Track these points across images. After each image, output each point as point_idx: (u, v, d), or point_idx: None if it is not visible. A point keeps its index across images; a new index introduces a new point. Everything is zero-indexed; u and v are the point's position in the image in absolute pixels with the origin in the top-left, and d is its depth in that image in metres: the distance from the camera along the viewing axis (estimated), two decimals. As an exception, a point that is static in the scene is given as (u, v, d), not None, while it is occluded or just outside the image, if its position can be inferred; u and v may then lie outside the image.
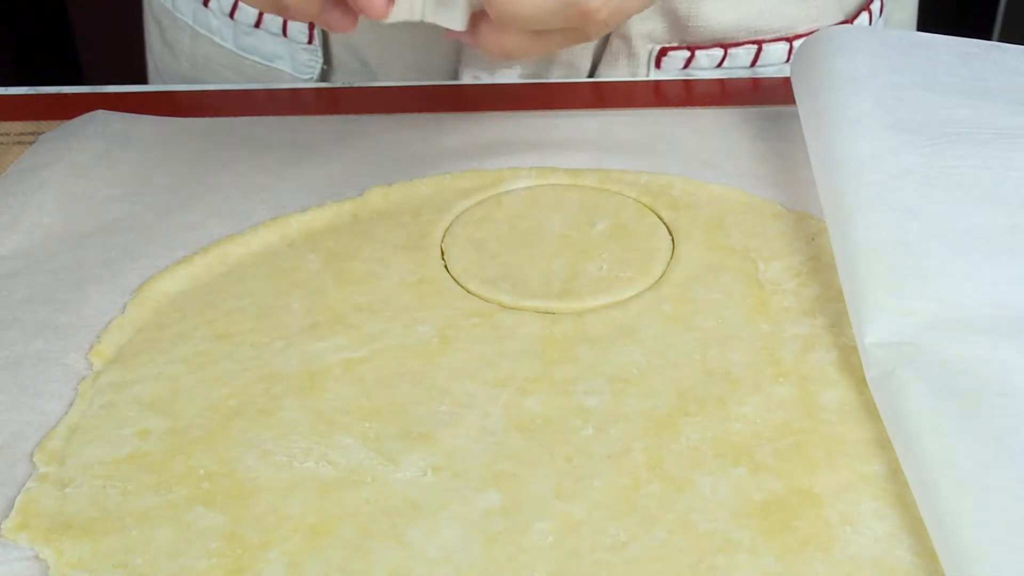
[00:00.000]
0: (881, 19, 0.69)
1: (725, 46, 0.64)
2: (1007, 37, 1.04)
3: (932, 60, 0.53)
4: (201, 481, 0.36)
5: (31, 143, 0.56)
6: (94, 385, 0.40)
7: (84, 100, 0.60)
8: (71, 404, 0.39)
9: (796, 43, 0.64)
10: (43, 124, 0.58)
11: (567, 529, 0.34)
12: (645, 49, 0.63)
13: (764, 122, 0.57)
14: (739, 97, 0.61)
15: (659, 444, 0.37)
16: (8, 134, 0.58)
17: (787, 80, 0.56)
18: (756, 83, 0.64)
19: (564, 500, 0.35)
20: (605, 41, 0.64)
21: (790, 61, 0.59)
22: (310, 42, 0.67)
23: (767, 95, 0.61)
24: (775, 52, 0.65)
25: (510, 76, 0.65)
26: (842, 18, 0.66)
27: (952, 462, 0.33)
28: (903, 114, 0.49)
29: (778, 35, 0.64)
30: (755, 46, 0.64)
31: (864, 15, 0.67)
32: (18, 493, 0.35)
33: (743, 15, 0.63)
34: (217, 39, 0.69)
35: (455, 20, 0.43)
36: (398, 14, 0.42)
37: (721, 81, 0.65)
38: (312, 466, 0.36)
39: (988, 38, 0.55)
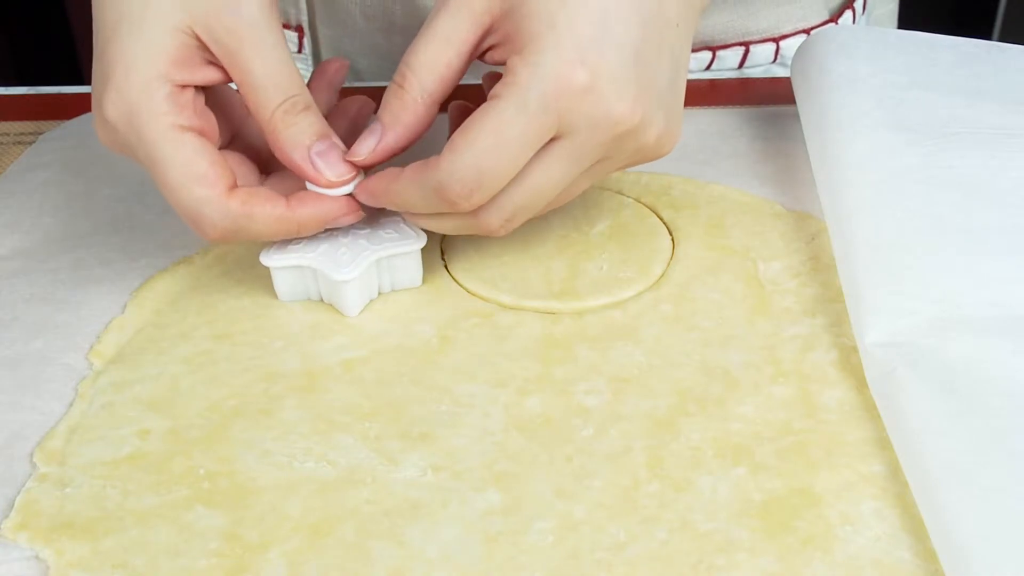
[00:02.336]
0: (864, 16, 0.69)
1: (713, 48, 0.64)
2: (1007, 37, 1.04)
3: (932, 60, 0.53)
4: (201, 481, 0.36)
5: (31, 143, 0.56)
6: (94, 385, 0.40)
7: (84, 100, 0.60)
8: (71, 404, 0.39)
9: (783, 43, 0.65)
10: (43, 124, 0.58)
11: (567, 529, 0.34)
12: None
13: (764, 122, 0.57)
14: (739, 97, 0.61)
15: (659, 444, 0.37)
16: (8, 134, 0.58)
17: (787, 80, 0.56)
18: (756, 83, 0.64)
19: (564, 500, 0.35)
20: None
21: (790, 61, 0.59)
22: (299, 51, 0.67)
23: (767, 95, 0.61)
24: (762, 53, 0.65)
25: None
26: (827, 16, 0.66)
27: (952, 462, 0.33)
28: (903, 114, 0.49)
29: (764, 36, 0.65)
30: (742, 48, 0.64)
31: (848, 13, 0.67)
32: (18, 493, 0.35)
33: (731, 17, 0.63)
34: None
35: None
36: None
37: (721, 81, 0.65)
38: (312, 466, 0.36)
39: (988, 38, 0.55)
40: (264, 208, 0.40)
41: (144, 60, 0.39)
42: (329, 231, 0.43)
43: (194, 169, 0.39)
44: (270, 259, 0.43)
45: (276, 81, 0.40)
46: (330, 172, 0.40)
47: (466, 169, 0.37)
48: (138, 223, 0.49)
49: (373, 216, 0.44)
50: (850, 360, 0.40)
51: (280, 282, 0.43)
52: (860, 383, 0.39)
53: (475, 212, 0.39)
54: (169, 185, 0.39)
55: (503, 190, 0.38)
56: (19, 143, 0.57)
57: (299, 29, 0.66)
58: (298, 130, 0.40)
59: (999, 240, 0.42)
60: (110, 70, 0.39)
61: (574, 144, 0.38)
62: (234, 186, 0.40)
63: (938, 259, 0.41)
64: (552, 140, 0.38)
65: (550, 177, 0.39)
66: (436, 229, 0.42)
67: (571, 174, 0.39)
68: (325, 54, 0.67)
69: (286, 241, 0.43)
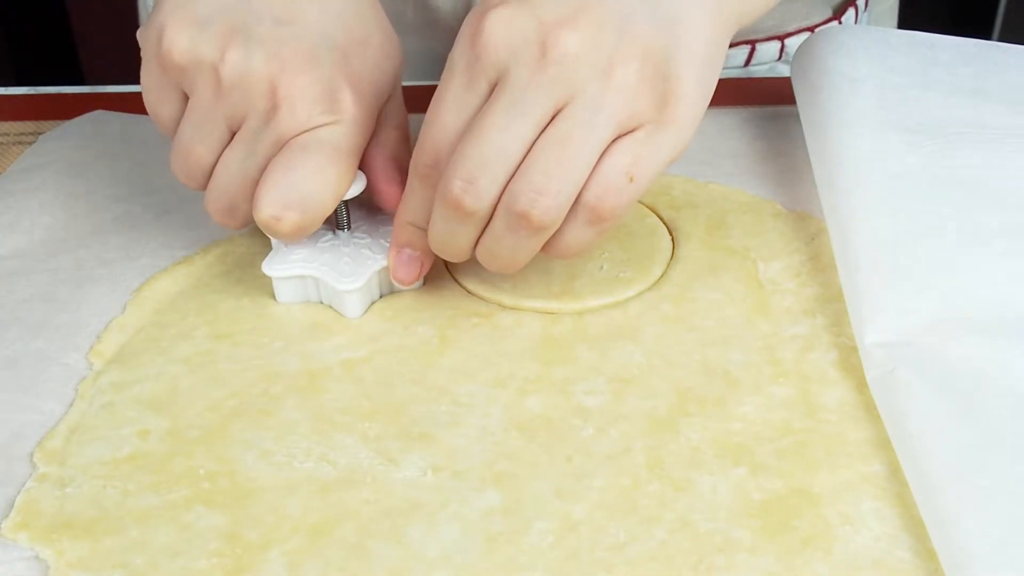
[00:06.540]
0: (866, 13, 0.70)
1: None
2: (1007, 37, 1.04)
3: (932, 60, 0.53)
4: (201, 481, 0.36)
5: (31, 143, 0.56)
6: (94, 385, 0.40)
7: (84, 100, 0.60)
8: (71, 404, 0.39)
9: (787, 41, 0.65)
10: (43, 124, 0.58)
11: (567, 529, 0.34)
12: None
13: (764, 122, 0.57)
14: (739, 97, 0.61)
15: (659, 444, 0.37)
16: (8, 134, 0.58)
17: (787, 80, 0.56)
18: (756, 83, 0.64)
19: (564, 500, 0.35)
20: None
21: (791, 61, 0.59)
22: None
23: (767, 95, 0.61)
24: (767, 51, 0.65)
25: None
26: (831, 13, 0.67)
27: (952, 462, 0.33)
28: (903, 114, 0.49)
29: (769, 34, 0.65)
30: (748, 46, 0.65)
31: (850, 10, 0.68)
32: (18, 493, 0.35)
33: None
34: None
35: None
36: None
37: (721, 80, 0.64)
38: (312, 466, 0.36)
39: (988, 38, 0.55)
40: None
41: None
42: (330, 240, 0.44)
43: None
44: (272, 268, 0.43)
45: None
46: None
47: (422, 139, 0.38)
48: (138, 223, 0.49)
49: (373, 225, 0.45)
50: (850, 360, 0.40)
51: (281, 289, 0.44)
52: (860, 383, 0.39)
53: (441, 186, 0.37)
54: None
55: (457, 150, 0.37)
56: (19, 143, 0.57)
57: None
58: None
59: (1000, 240, 0.42)
60: None
61: (507, 82, 0.36)
62: None
63: (939, 259, 0.41)
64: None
65: (493, 123, 0.36)
66: (432, 237, 0.40)
67: (514, 118, 0.36)
68: None
69: (287, 250, 0.43)
